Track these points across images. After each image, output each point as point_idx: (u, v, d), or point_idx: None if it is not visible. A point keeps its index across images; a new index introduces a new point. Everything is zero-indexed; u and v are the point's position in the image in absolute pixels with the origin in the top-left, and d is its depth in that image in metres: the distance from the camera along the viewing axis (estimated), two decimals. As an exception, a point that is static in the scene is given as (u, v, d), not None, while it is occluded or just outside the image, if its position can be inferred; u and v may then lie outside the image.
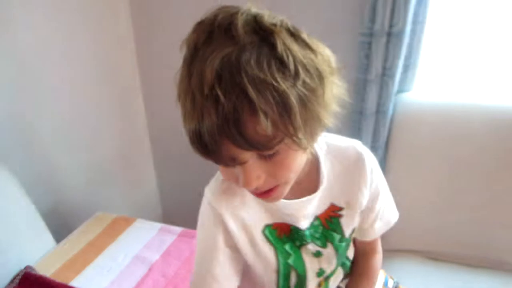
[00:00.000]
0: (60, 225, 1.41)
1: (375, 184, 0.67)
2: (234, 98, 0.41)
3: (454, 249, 1.31)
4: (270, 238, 0.62)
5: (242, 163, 0.47)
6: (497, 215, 1.25)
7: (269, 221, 0.62)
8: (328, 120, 0.48)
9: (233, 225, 0.59)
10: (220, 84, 0.42)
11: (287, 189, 0.54)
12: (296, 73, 0.43)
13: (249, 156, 0.46)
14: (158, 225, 1.37)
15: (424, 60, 1.30)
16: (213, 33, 0.45)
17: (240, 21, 0.44)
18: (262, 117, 0.41)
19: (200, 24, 0.46)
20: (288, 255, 0.64)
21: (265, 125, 0.42)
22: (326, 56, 0.48)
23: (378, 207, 0.69)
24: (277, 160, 0.48)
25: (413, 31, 1.21)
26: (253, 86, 0.41)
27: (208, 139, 0.43)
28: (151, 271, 1.17)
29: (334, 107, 0.49)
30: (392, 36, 1.17)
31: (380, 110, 1.31)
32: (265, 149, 0.45)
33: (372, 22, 1.17)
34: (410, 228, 1.31)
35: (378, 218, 0.70)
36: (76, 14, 1.42)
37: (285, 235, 0.62)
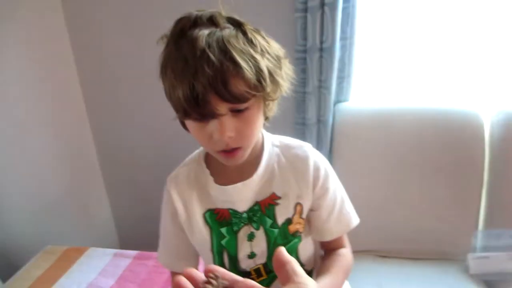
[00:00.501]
0: (9, 264, 1.35)
1: (321, 183, 0.72)
2: (221, 58, 0.55)
3: (399, 245, 1.40)
4: (209, 220, 0.73)
5: (220, 116, 0.58)
6: (433, 209, 1.35)
7: (212, 206, 0.72)
8: (284, 90, 0.65)
9: (178, 204, 0.73)
10: (209, 49, 0.55)
11: (246, 154, 0.66)
12: (262, 51, 0.59)
13: (226, 110, 0.58)
14: (112, 251, 1.35)
15: (359, 71, 1.41)
16: (197, 21, 0.58)
17: (217, 14, 0.59)
18: (246, 72, 0.55)
19: (182, 18, 0.59)
20: (222, 237, 0.72)
21: (247, 78, 0.55)
22: (277, 46, 0.65)
23: (327, 205, 0.73)
24: (247, 116, 0.60)
25: (344, 46, 1.31)
26: (235, 52, 0.55)
27: (201, 90, 0.54)
28: (106, 298, 1.15)
29: (287, 83, 0.65)
30: (324, 51, 1.27)
31: (321, 120, 1.39)
32: (242, 100, 0.57)
33: (304, 39, 1.27)
34: (359, 230, 1.38)
35: (331, 218, 0.74)
36: (24, 60, 1.42)
37: (225, 219, 0.72)
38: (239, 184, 0.70)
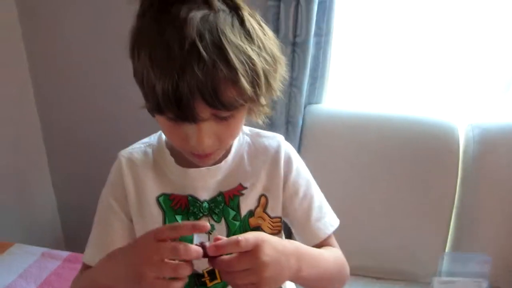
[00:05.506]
0: None
1: (293, 178, 0.66)
2: (214, 56, 0.46)
3: (360, 262, 1.28)
4: (163, 205, 0.63)
5: (202, 121, 0.50)
6: (398, 226, 1.26)
7: (167, 191, 0.63)
8: (276, 95, 0.56)
9: (129, 184, 0.63)
10: (201, 41, 0.45)
11: (220, 155, 0.60)
12: (259, 48, 0.50)
13: (209, 116, 0.50)
14: (40, 249, 1.18)
15: (334, 73, 1.32)
16: None
17: None
18: (241, 79, 0.47)
19: None
20: None
21: (242, 86, 0.47)
22: (274, 40, 0.55)
23: (302, 203, 0.67)
24: (229, 124, 0.53)
25: (318, 43, 1.22)
26: (231, 51, 0.46)
27: (186, 92, 0.46)
28: (23, 306, 0.98)
29: (279, 86, 0.56)
30: (297, 46, 1.17)
31: (290, 121, 1.29)
32: (231, 109, 0.50)
33: (276, 31, 1.16)
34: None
35: (311, 218, 0.68)
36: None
37: (180, 207, 0.63)
38: (203, 169, 0.62)
